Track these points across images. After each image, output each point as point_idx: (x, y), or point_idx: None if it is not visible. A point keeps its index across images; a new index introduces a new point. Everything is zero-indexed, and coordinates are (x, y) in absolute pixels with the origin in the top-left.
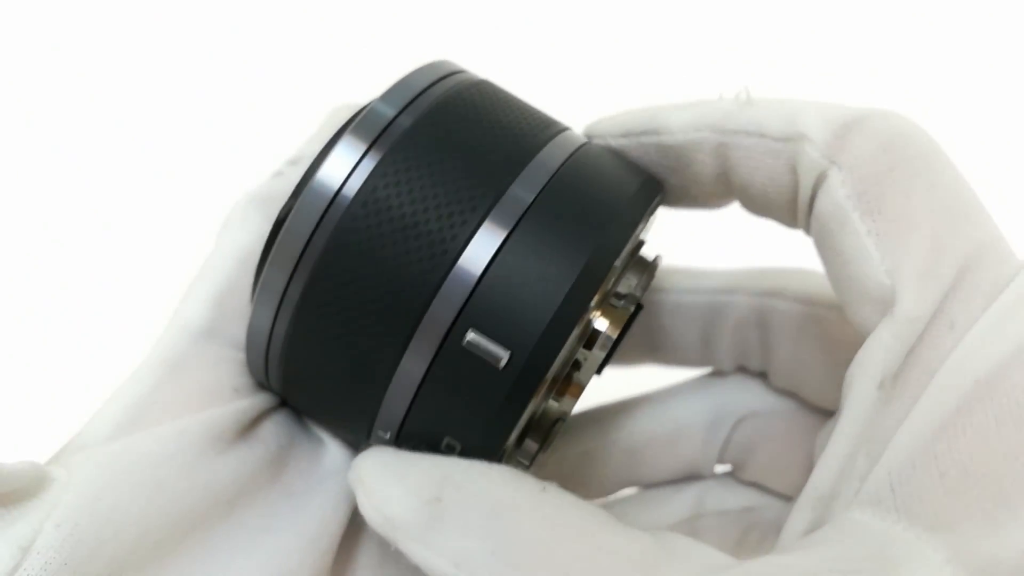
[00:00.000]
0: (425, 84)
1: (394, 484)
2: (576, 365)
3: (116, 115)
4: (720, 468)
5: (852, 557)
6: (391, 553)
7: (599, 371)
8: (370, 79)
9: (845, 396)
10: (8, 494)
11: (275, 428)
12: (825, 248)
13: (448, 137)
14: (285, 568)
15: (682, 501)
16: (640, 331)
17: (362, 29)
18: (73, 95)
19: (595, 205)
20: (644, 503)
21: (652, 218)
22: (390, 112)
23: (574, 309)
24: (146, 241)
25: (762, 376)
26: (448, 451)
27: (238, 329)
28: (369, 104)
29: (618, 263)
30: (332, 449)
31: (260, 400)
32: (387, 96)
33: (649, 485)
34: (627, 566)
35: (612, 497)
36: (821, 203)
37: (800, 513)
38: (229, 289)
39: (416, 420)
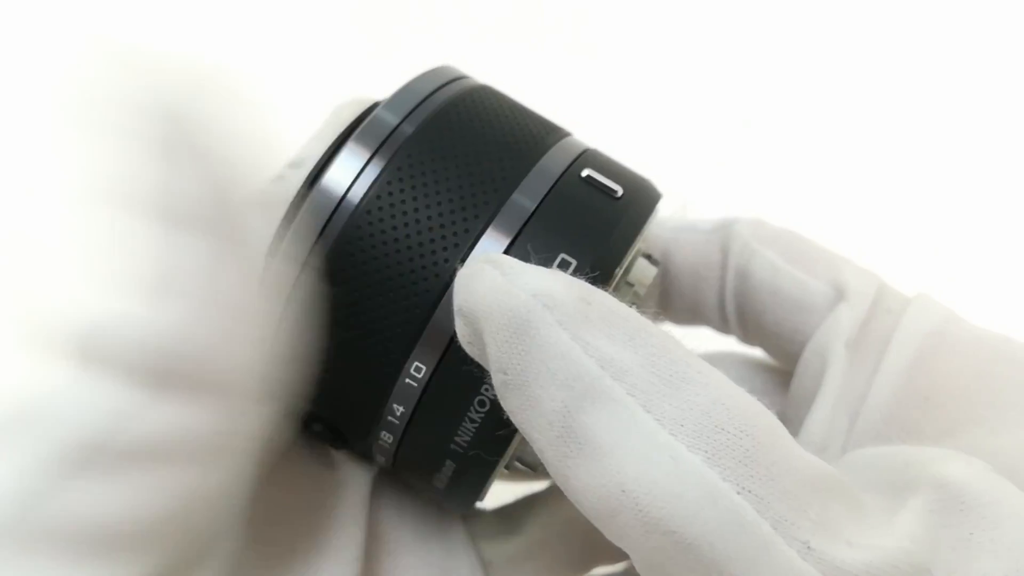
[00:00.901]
0: (427, 91)
1: (542, 271)
2: None
3: None
4: None
5: (882, 480)
6: (401, 561)
7: None
8: (369, 82)
9: (814, 363)
10: None
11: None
12: (762, 301)
13: (450, 145)
14: None
15: None
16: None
17: (360, 32)
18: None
19: (597, 213)
20: None
21: (654, 225)
22: (393, 120)
23: None
24: None
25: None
26: (452, 460)
27: None
28: (372, 111)
29: (619, 271)
30: (339, 460)
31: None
32: (390, 103)
33: None
34: (774, 420)
35: None
36: (754, 264)
37: None
38: None
39: (415, 433)
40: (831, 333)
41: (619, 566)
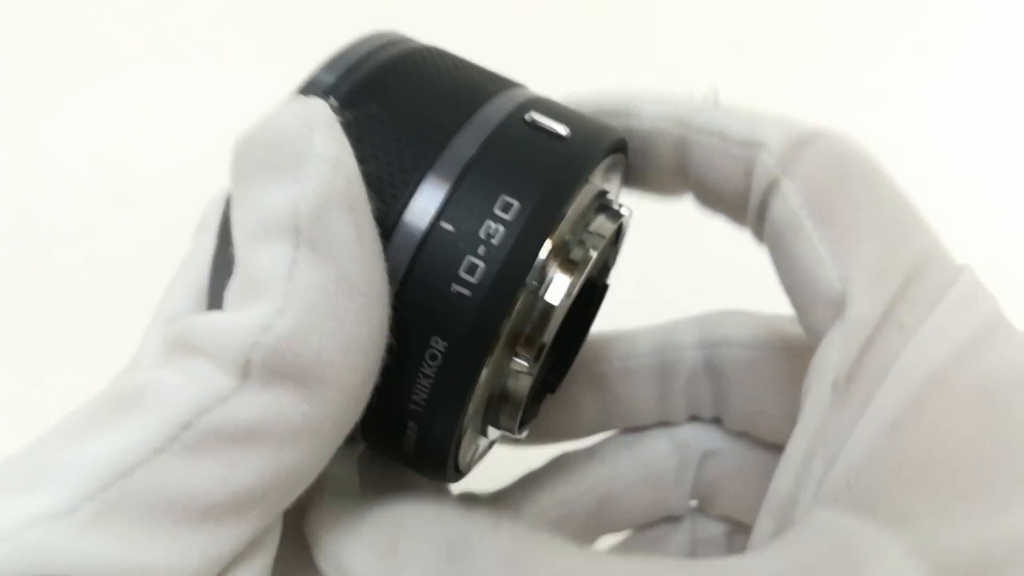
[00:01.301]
0: (367, 50)
1: (348, 538)
2: (538, 322)
3: (88, 121)
4: (692, 503)
5: (814, 554)
6: None
7: (571, 353)
8: None
9: (803, 401)
10: None
11: None
12: (779, 253)
13: (389, 98)
14: None
15: (680, 535)
16: (594, 405)
17: (343, 31)
18: (57, 96)
19: (541, 153)
20: (645, 544)
21: (617, 176)
22: (330, 79)
23: (514, 274)
24: (125, 243)
25: (716, 421)
26: (414, 421)
27: None
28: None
29: (571, 211)
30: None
31: None
32: (329, 64)
33: (626, 528)
34: None
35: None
36: (776, 210)
37: (764, 520)
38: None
39: (374, 402)
40: (819, 367)
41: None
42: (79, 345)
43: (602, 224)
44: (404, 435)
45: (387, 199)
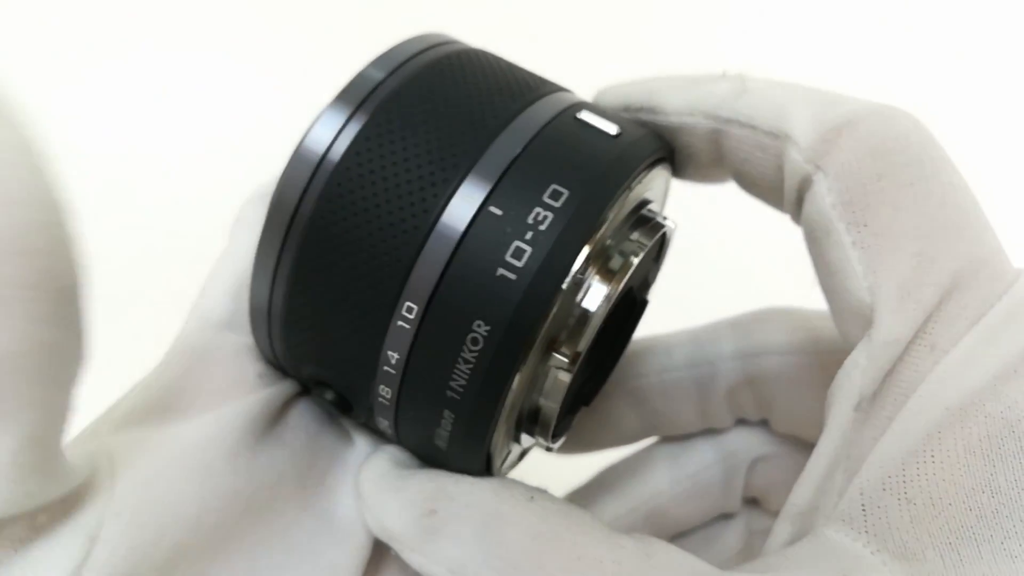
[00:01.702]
0: (415, 51)
1: (391, 496)
2: (575, 328)
3: (130, 113)
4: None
5: None
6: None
7: (612, 361)
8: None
9: (826, 414)
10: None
11: (302, 417)
12: (813, 252)
13: (433, 97)
14: (323, 562)
15: (734, 530)
16: (634, 419)
17: (370, 25)
18: (85, 91)
19: (591, 147)
20: (700, 541)
21: (661, 181)
22: (377, 76)
23: (561, 262)
24: (163, 238)
25: (763, 423)
26: (450, 409)
27: None
28: (359, 71)
29: (612, 215)
30: (356, 441)
31: (285, 387)
32: (376, 62)
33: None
34: (614, 570)
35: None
36: (808, 208)
37: (782, 525)
38: (245, 282)
39: (412, 382)
40: (842, 385)
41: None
42: (110, 346)
43: (644, 234)
44: (439, 426)
45: (437, 183)
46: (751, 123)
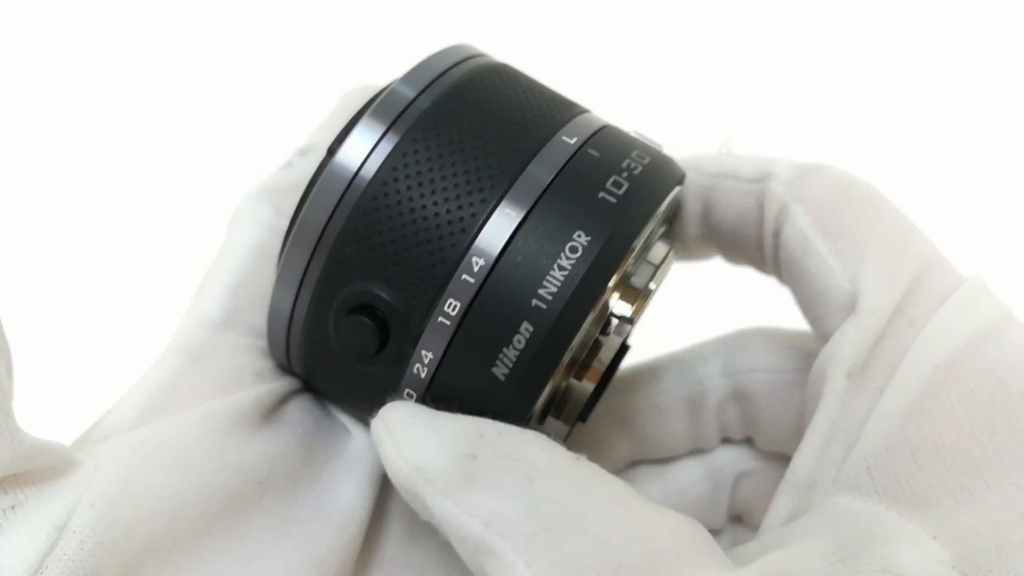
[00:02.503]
0: (444, 67)
1: (427, 436)
2: (595, 348)
3: (124, 112)
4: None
5: (845, 542)
6: (416, 539)
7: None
8: (375, 71)
9: (817, 388)
10: (40, 471)
11: (299, 412)
12: (793, 274)
13: (466, 118)
14: (313, 554)
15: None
16: (626, 444)
17: (367, 20)
18: (79, 90)
19: (614, 187)
20: None
21: (674, 204)
22: (409, 94)
23: (591, 290)
24: (158, 235)
25: (747, 440)
26: (529, 322)
27: (254, 318)
28: (389, 85)
29: (638, 244)
30: (356, 435)
31: (282, 384)
32: (407, 78)
33: None
34: (665, 541)
35: None
36: (787, 232)
37: (782, 498)
38: (243, 280)
39: (439, 394)
40: (833, 357)
41: None
42: (105, 343)
43: (660, 253)
44: (508, 345)
45: (475, 203)
46: (736, 175)
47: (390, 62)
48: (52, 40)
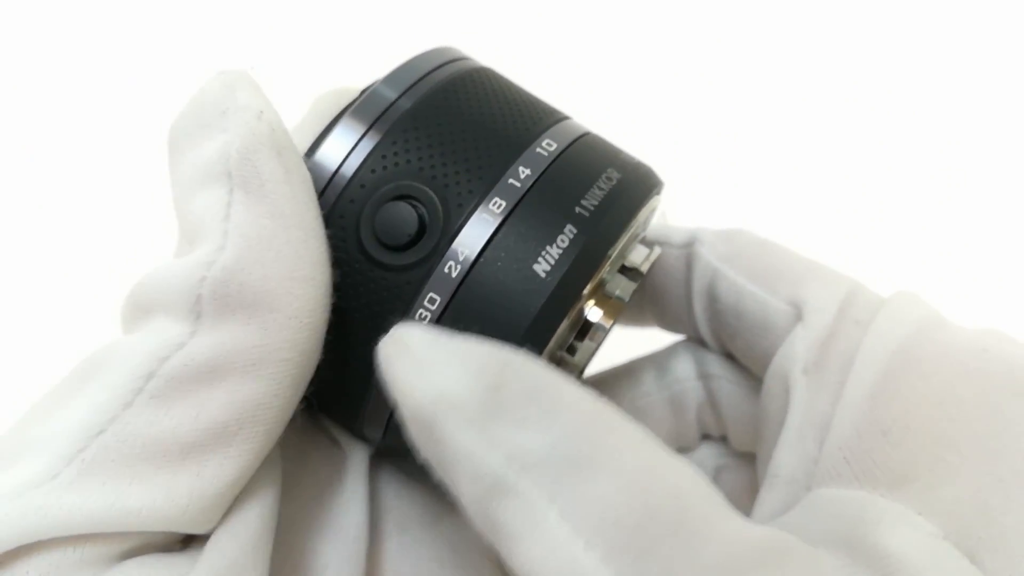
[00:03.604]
0: (427, 69)
1: (451, 359)
2: (570, 352)
3: (96, 116)
4: None
5: (836, 533)
6: (409, 538)
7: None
8: (352, 75)
9: (773, 395)
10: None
11: (293, 422)
12: (729, 321)
13: (447, 121)
14: (320, 566)
15: None
16: None
17: (343, 25)
18: (50, 97)
19: (601, 183)
20: None
21: (652, 212)
22: (391, 95)
23: (566, 296)
24: (135, 239)
25: (724, 439)
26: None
27: None
28: (371, 86)
29: (613, 252)
30: (340, 439)
31: None
32: (389, 79)
33: None
34: (689, 484)
35: None
36: (719, 287)
37: (768, 493)
38: None
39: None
40: (787, 359)
41: None
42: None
43: (641, 256)
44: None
45: (460, 198)
46: (667, 241)
47: (364, 66)
48: (32, 39)
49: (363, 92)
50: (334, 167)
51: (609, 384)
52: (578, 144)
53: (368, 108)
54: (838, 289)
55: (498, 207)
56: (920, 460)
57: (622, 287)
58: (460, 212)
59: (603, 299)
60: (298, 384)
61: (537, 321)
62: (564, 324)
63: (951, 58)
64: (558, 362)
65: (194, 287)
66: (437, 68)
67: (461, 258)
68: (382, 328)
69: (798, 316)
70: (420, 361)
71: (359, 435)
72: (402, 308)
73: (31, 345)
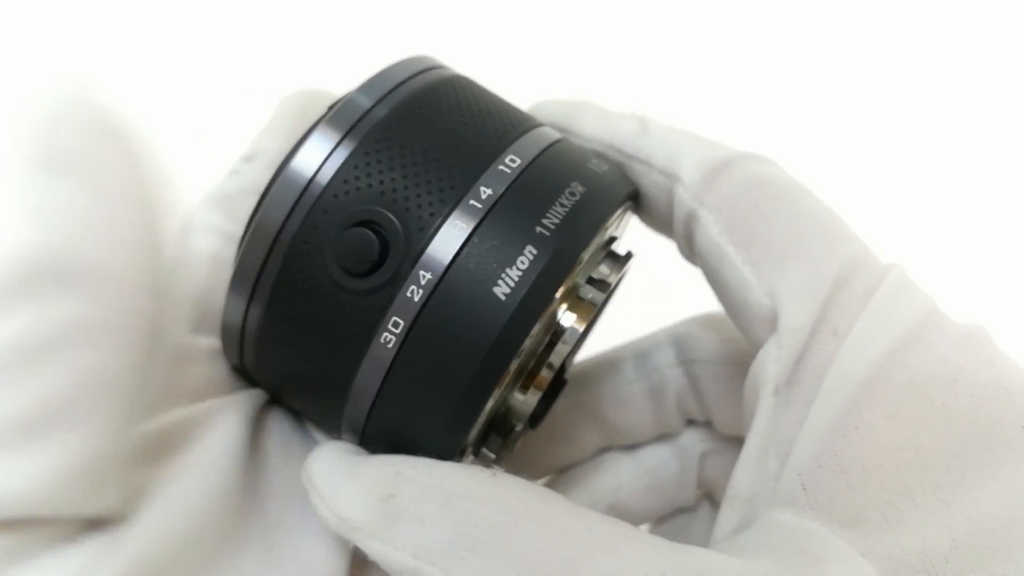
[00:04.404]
0: (402, 77)
1: (345, 484)
2: (542, 357)
3: None
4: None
5: (779, 560)
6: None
7: (565, 371)
8: (314, 78)
9: (751, 402)
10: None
11: (278, 424)
12: (711, 280)
13: (421, 130)
14: (307, 564)
15: (700, 521)
16: (594, 436)
17: (316, 29)
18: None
19: (563, 200)
20: (669, 532)
21: (624, 217)
22: (366, 103)
23: (538, 300)
24: None
25: (708, 424)
26: (411, 445)
27: None
28: (346, 95)
29: (586, 255)
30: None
31: (257, 394)
32: (364, 87)
33: (641, 523)
34: (581, 545)
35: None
36: (700, 241)
37: (726, 513)
38: (207, 287)
39: (384, 406)
40: (759, 374)
41: None
42: None
43: (609, 267)
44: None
45: (423, 215)
46: (648, 161)
47: (326, 67)
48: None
49: (339, 100)
50: (300, 188)
51: (591, 376)
52: (543, 157)
53: (344, 116)
54: (821, 283)
55: (459, 229)
56: (872, 503)
57: (592, 295)
58: (421, 236)
59: (576, 302)
60: (138, 349)
61: (499, 343)
62: (533, 334)
63: (951, 58)
64: (533, 371)
65: (8, 268)
66: (410, 78)
67: (423, 282)
68: (352, 347)
69: (773, 319)
70: (321, 493)
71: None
72: (366, 332)
73: None
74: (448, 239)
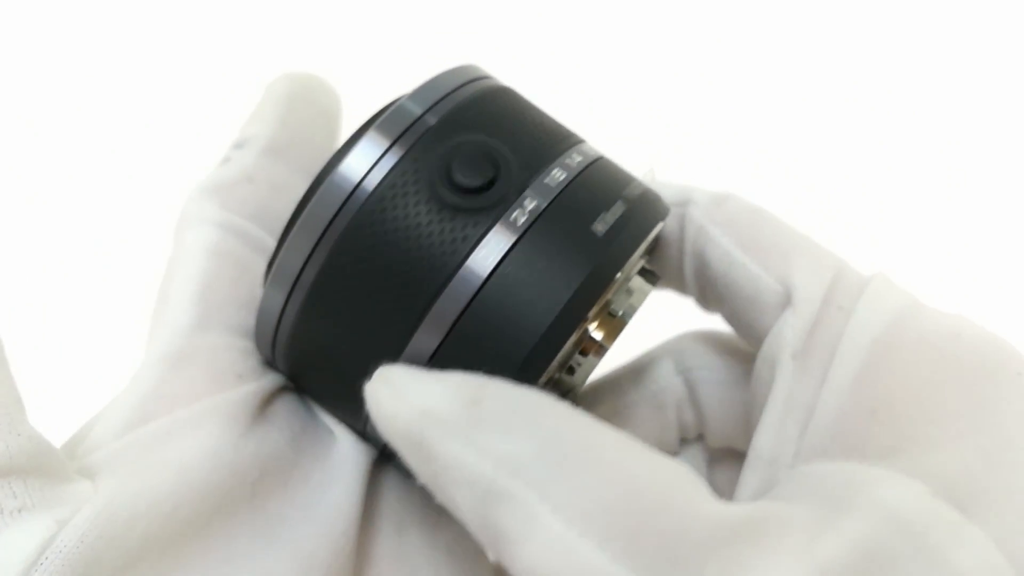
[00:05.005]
0: (452, 87)
1: (430, 382)
2: (570, 370)
3: (56, 119)
4: None
5: (825, 495)
6: (406, 539)
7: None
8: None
9: (764, 379)
10: (45, 467)
11: (286, 413)
12: (719, 288)
13: (471, 137)
14: (304, 555)
15: None
16: None
17: (303, 19)
18: (50, 96)
19: (603, 218)
20: None
21: (656, 237)
22: (416, 110)
23: (572, 317)
24: (99, 241)
25: (699, 439)
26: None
27: (227, 318)
28: (397, 101)
29: (620, 276)
30: (341, 438)
31: (266, 383)
32: (415, 95)
33: None
34: (671, 474)
35: None
36: (710, 252)
37: (749, 475)
38: (207, 282)
39: (471, 320)
40: (776, 344)
41: None
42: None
43: (640, 287)
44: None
45: (456, 239)
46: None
47: (360, 67)
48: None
49: (387, 107)
50: (353, 183)
51: (596, 394)
52: (590, 170)
53: (394, 123)
54: (824, 272)
55: (504, 238)
56: (906, 434)
57: (625, 307)
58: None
59: (607, 319)
60: None
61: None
62: (570, 342)
63: (951, 58)
64: (558, 378)
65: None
66: (460, 87)
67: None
68: (373, 342)
69: (787, 298)
70: (402, 387)
71: (362, 435)
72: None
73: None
74: (489, 250)
